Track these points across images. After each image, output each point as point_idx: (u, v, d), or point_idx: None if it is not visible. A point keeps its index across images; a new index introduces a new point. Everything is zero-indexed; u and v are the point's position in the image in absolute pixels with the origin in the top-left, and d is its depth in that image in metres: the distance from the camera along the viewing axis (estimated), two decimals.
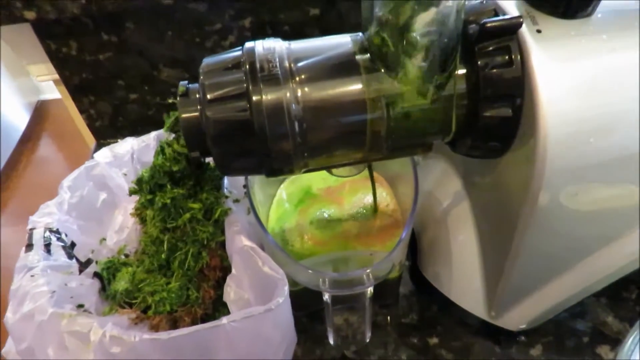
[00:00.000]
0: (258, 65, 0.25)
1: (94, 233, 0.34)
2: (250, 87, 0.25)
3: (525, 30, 0.25)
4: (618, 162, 0.27)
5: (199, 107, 0.26)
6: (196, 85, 0.27)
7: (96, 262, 0.33)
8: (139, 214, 0.34)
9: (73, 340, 0.24)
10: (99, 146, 0.55)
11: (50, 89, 2.22)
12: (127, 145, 0.36)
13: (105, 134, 0.55)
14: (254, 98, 0.25)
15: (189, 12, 0.46)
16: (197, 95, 0.26)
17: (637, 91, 0.24)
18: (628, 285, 0.37)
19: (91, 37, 0.46)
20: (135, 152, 0.36)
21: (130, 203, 0.36)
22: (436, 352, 0.35)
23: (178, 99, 0.27)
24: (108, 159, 0.35)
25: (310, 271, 0.27)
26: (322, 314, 0.32)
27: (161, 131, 0.36)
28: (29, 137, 2.08)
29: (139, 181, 0.32)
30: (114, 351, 0.24)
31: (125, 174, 0.36)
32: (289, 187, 0.39)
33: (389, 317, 0.37)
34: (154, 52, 0.49)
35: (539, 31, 0.25)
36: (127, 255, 0.36)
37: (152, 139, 0.36)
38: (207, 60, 0.27)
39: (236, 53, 0.26)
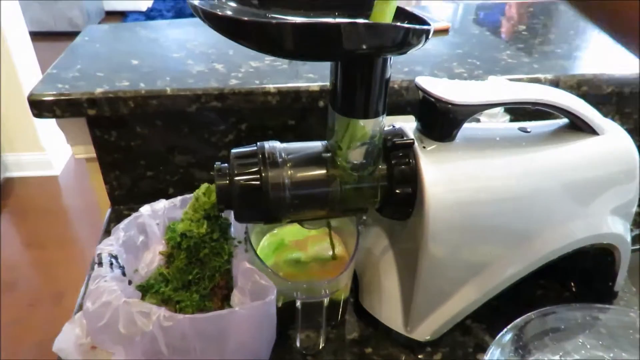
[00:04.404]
0: (267, 155, 0.43)
1: (132, 263, 0.49)
2: (262, 168, 0.42)
3: (417, 146, 0.44)
4: (474, 222, 0.46)
5: (228, 178, 0.43)
6: (226, 165, 0.44)
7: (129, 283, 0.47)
8: (167, 254, 0.49)
9: (140, 317, 0.38)
10: (113, 211, 0.69)
11: (17, 167, 2.31)
12: (161, 204, 0.52)
13: (121, 202, 0.69)
14: (263, 174, 0.42)
15: (203, 117, 0.65)
16: (227, 171, 0.43)
17: (475, 182, 0.44)
18: (499, 315, 0.54)
19: (128, 129, 0.64)
20: (166, 209, 0.52)
21: (158, 245, 0.51)
22: (370, 358, 0.50)
23: (215, 172, 0.43)
24: (148, 212, 0.50)
25: (289, 283, 0.43)
26: (289, 334, 0.46)
27: (186, 196, 0.53)
28: None
29: (172, 230, 0.48)
30: (165, 325, 0.38)
31: (158, 224, 0.51)
32: (269, 239, 0.55)
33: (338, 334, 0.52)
34: (172, 142, 0.66)
35: (424, 147, 0.45)
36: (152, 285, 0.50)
37: (178, 201, 0.52)
38: (235, 150, 0.44)
39: (253, 148, 0.44)
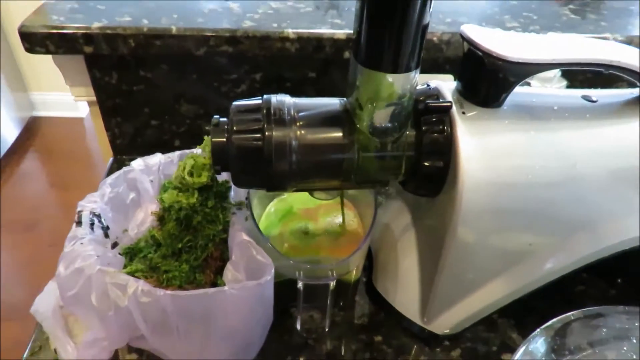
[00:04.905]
0: (272, 111, 0.36)
1: (121, 223, 0.44)
2: (265, 125, 0.35)
3: (454, 111, 0.37)
4: (515, 206, 0.38)
5: (226, 135, 0.36)
6: (225, 119, 0.37)
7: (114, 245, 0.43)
8: (159, 215, 0.44)
9: (114, 290, 0.33)
10: (115, 161, 0.64)
11: (44, 106, 2.30)
12: (157, 158, 0.46)
13: (123, 151, 0.64)
14: (267, 133, 0.35)
15: (213, 62, 0.58)
16: (226, 127, 0.37)
17: (523, 160, 0.36)
18: (531, 310, 0.47)
19: (130, 71, 0.57)
20: (161, 165, 0.46)
21: (151, 204, 0.46)
22: (379, 347, 0.44)
23: (211, 127, 0.37)
24: (141, 167, 0.45)
25: (291, 262, 0.37)
26: (291, 312, 0.41)
27: (185, 151, 0.47)
28: (16, 151, 2.14)
29: (166, 189, 0.42)
30: (143, 301, 0.33)
31: (152, 181, 0.46)
32: (276, 205, 0.49)
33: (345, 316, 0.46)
34: (179, 89, 0.60)
35: (463, 112, 0.37)
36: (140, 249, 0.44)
37: (176, 156, 0.46)
38: (236, 103, 0.37)
39: (257, 101, 0.37)
